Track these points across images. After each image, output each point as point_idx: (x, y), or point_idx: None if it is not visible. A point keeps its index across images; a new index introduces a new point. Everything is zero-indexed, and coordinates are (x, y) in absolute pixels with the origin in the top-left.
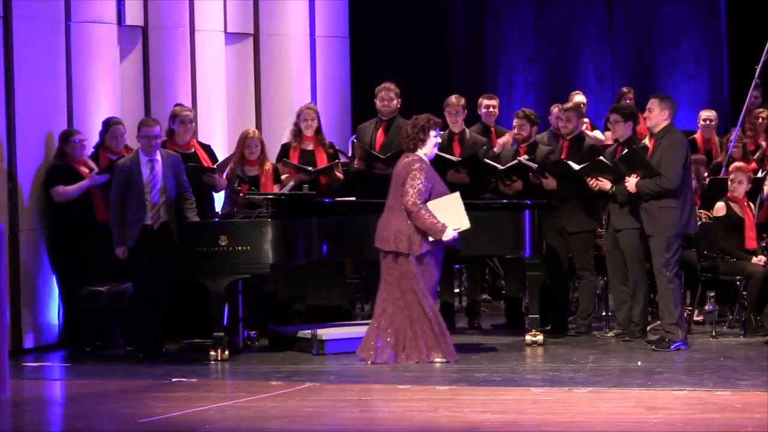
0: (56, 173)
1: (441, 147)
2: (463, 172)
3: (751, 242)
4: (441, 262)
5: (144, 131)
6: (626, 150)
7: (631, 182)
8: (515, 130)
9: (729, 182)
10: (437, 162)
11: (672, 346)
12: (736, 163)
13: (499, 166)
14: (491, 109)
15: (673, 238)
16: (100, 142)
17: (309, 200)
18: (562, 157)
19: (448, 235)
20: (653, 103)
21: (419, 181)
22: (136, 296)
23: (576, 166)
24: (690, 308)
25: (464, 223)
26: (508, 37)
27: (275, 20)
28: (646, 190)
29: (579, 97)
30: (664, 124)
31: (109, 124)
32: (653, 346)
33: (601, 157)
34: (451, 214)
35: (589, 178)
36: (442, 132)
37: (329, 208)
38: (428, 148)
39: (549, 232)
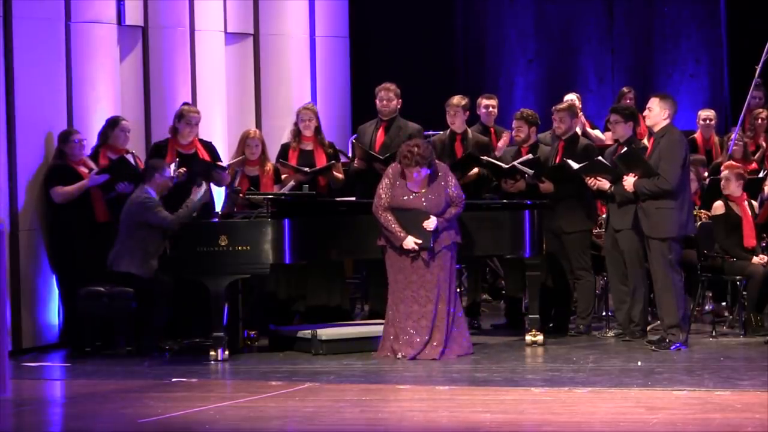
0: (56, 173)
1: (443, 148)
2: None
3: (749, 240)
4: (408, 265)
5: (167, 172)
6: (625, 149)
7: (629, 181)
8: (514, 132)
9: (724, 180)
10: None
11: (672, 347)
12: (727, 162)
13: (503, 164)
14: (491, 109)
15: (673, 239)
16: (101, 141)
17: (309, 200)
18: (558, 157)
19: (407, 244)
20: (654, 102)
21: (380, 186)
22: (162, 298)
23: (575, 165)
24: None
25: (425, 243)
26: (509, 37)
27: (275, 20)
28: (644, 189)
29: (570, 95)
30: (664, 123)
31: (117, 121)
32: (653, 346)
33: (600, 157)
34: (419, 229)
35: (588, 178)
36: (443, 132)
37: (328, 208)
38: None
39: (546, 233)
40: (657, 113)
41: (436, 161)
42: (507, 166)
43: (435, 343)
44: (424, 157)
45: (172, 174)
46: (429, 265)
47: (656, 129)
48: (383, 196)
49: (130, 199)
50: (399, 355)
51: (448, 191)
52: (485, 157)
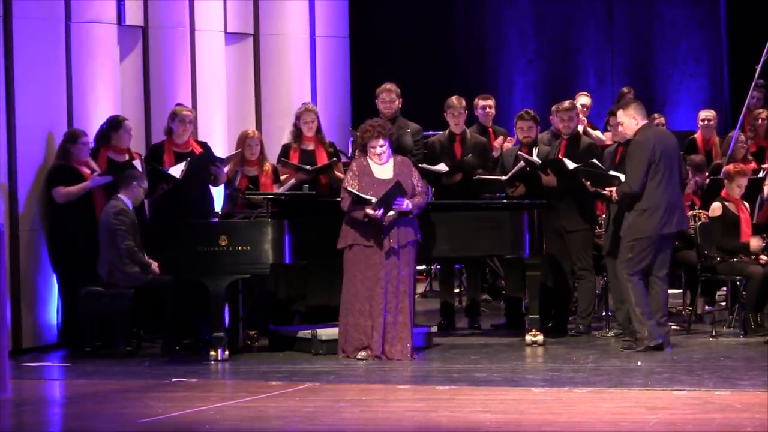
0: (58, 173)
1: (442, 148)
2: (458, 175)
3: (746, 237)
4: (371, 265)
5: (145, 183)
6: (585, 167)
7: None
8: (522, 134)
9: (727, 181)
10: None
11: (636, 347)
12: (735, 165)
13: (501, 177)
14: (488, 110)
15: (639, 240)
16: (103, 141)
17: (309, 200)
18: (560, 155)
19: (371, 213)
20: (619, 115)
21: (345, 182)
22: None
23: (571, 165)
24: (690, 308)
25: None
26: (508, 37)
27: (275, 20)
28: (621, 195)
29: (584, 99)
30: (639, 127)
31: (120, 121)
32: (622, 346)
33: (594, 160)
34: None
35: (584, 180)
36: (441, 133)
37: (328, 208)
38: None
39: (547, 233)
40: (627, 122)
41: (400, 156)
42: (509, 174)
43: (405, 340)
44: (384, 127)
45: (178, 174)
46: (398, 260)
47: (633, 134)
48: (349, 189)
49: (105, 209)
50: (360, 354)
51: (414, 182)
52: (478, 176)
